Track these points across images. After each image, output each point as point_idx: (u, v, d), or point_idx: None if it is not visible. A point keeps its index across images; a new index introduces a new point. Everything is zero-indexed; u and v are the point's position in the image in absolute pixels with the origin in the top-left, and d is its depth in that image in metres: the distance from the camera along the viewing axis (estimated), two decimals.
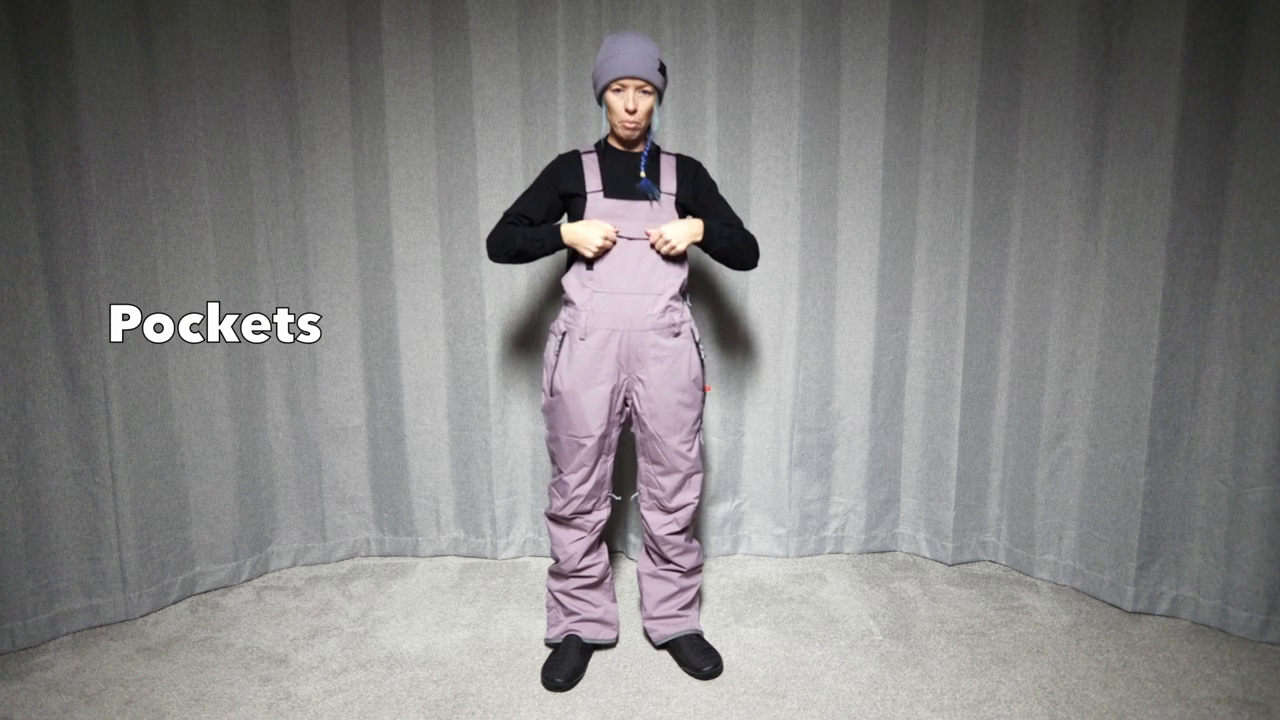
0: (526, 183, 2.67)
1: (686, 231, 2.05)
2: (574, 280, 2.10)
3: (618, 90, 2.01)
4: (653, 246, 2.04)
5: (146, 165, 2.38)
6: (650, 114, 2.06)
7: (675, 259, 2.09)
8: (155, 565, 2.51)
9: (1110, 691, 2.09)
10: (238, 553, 2.68)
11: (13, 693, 2.11)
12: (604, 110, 2.08)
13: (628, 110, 2.01)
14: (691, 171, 2.15)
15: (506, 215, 2.12)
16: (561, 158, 2.16)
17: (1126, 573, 2.48)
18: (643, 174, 2.07)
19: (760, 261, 2.72)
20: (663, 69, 2.03)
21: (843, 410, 2.85)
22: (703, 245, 2.10)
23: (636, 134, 2.06)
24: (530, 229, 2.07)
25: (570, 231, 2.04)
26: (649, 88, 2.02)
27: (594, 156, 2.13)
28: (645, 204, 2.07)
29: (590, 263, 2.06)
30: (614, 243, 2.03)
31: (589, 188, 2.08)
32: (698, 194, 2.15)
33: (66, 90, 2.23)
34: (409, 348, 2.78)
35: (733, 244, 2.10)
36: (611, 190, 2.08)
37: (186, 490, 2.57)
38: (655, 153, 2.13)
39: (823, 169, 2.69)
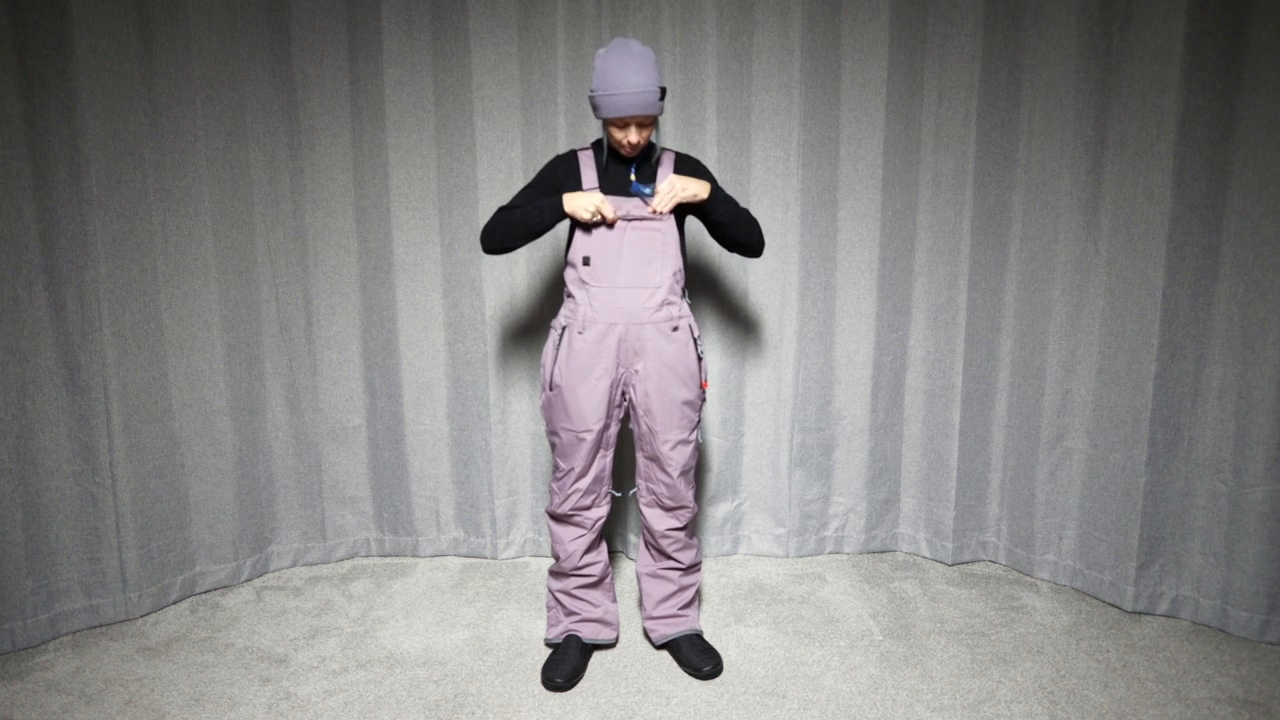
0: (526, 183, 2.66)
1: (695, 185, 2.05)
2: (572, 275, 2.11)
3: (618, 124, 2.01)
4: (654, 209, 2.04)
5: (146, 165, 2.38)
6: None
7: (671, 251, 2.09)
8: (155, 565, 2.51)
9: (1110, 691, 2.09)
10: (238, 553, 2.68)
11: (13, 693, 2.11)
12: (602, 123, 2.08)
13: (629, 142, 2.02)
14: (689, 170, 2.15)
15: (501, 208, 2.13)
16: (558, 158, 2.17)
17: (1126, 573, 2.48)
18: (633, 177, 2.08)
19: (761, 260, 2.73)
20: (663, 92, 2.00)
21: (843, 410, 2.85)
22: (707, 208, 2.09)
23: (636, 154, 2.07)
24: (531, 205, 2.07)
25: (569, 198, 2.05)
26: (649, 120, 2.02)
27: (590, 155, 2.13)
28: (640, 201, 2.08)
29: (587, 258, 2.06)
30: (603, 218, 2.03)
31: (585, 186, 2.09)
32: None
33: (66, 90, 2.23)
34: (409, 348, 2.78)
35: (738, 215, 2.12)
36: (608, 188, 2.09)
37: (186, 490, 2.57)
38: (651, 151, 2.14)
39: (823, 169, 2.69)
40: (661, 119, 2.62)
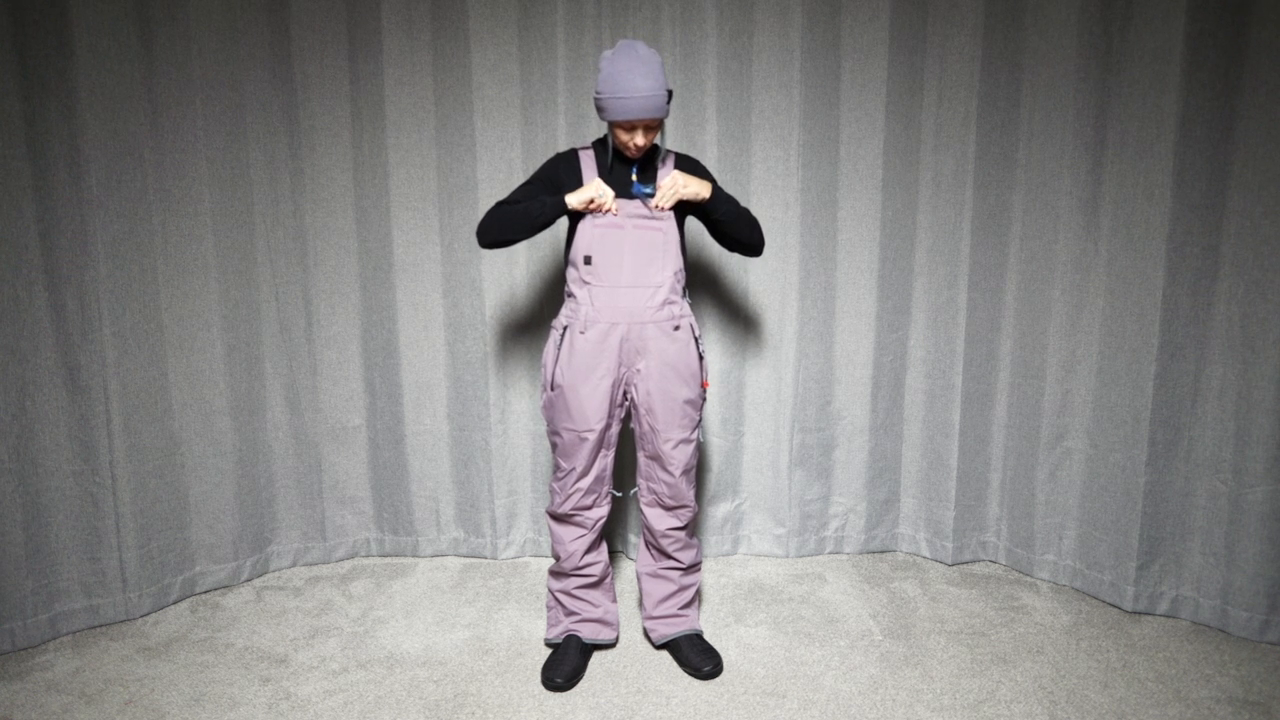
0: (525, 179, 2.66)
1: (697, 183, 2.05)
2: (574, 275, 2.11)
3: (625, 127, 2.01)
4: (656, 205, 2.05)
5: (146, 165, 2.38)
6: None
7: (672, 251, 2.09)
8: (155, 565, 2.51)
9: (1110, 691, 2.09)
10: (238, 553, 2.68)
11: (13, 693, 2.11)
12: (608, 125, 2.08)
13: (635, 145, 2.03)
14: (690, 170, 2.16)
15: (500, 203, 2.11)
16: (559, 156, 2.17)
17: (1126, 573, 2.48)
18: (634, 177, 2.09)
19: (761, 260, 2.73)
20: (669, 95, 2.00)
21: (843, 410, 2.85)
22: (708, 208, 2.10)
23: (640, 155, 2.08)
24: (533, 200, 2.07)
25: (572, 194, 2.04)
26: (655, 123, 2.02)
27: (590, 155, 2.13)
28: (640, 202, 2.08)
29: (589, 257, 2.06)
30: (604, 206, 2.02)
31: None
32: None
33: (66, 90, 2.23)
34: (409, 348, 2.78)
35: (738, 215, 2.13)
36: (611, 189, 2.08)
37: (186, 490, 2.57)
38: (653, 153, 2.14)
39: (823, 169, 2.69)
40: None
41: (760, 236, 2.19)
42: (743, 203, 2.69)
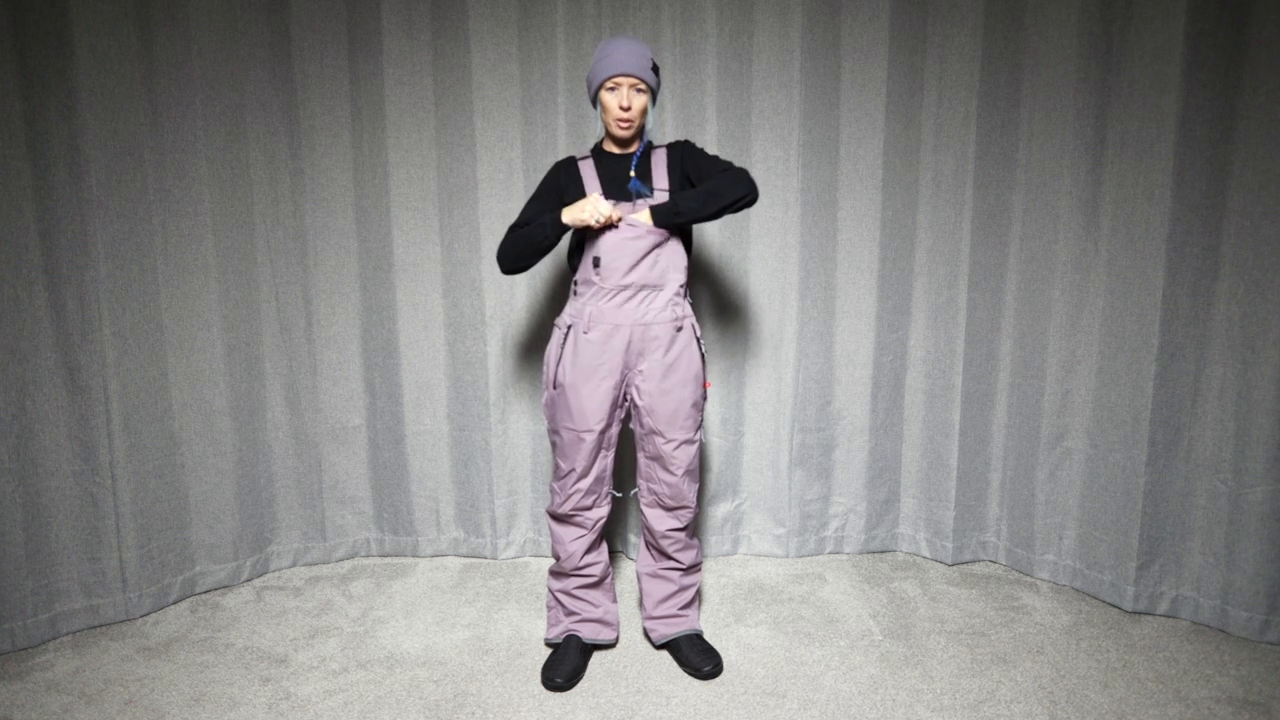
0: (526, 183, 2.67)
1: (589, 211, 2.00)
2: (579, 275, 2.11)
3: (611, 89, 2.02)
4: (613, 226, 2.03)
5: (146, 165, 2.38)
6: (645, 113, 2.07)
7: (676, 252, 2.09)
8: (155, 565, 2.51)
9: (1110, 691, 2.09)
10: (238, 553, 2.68)
11: (13, 693, 2.11)
12: (598, 112, 2.09)
13: (621, 108, 2.02)
14: (679, 156, 2.13)
15: (512, 226, 2.13)
16: (559, 164, 2.18)
17: (1126, 573, 2.48)
18: (632, 173, 2.08)
19: (760, 260, 2.73)
20: (656, 70, 2.04)
21: (843, 410, 2.85)
22: (666, 223, 2.03)
23: (631, 132, 2.07)
24: (535, 224, 2.07)
25: (568, 211, 2.03)
26: (642, 86, 2.03)
27: (590, 162, 2.14)
28: (644, 204, 2.07)
29: (597, 259, 2.06)
30: (607, 221, 2.01)
31: (588, 192, 2.09)
32: (686, 174, 2.12)
33: (66, 90, 2.23)
34: (409, 348, 2.78)
35: (703, 206, 2.00)
36: (610, 193, 2.09)
37: (186, 490, 2.57)
38: (647, 151, 2.14)
39: (823, 169, 2.69)
40: (662, 119, 2.63)
41: (737, 194, 2.00)
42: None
